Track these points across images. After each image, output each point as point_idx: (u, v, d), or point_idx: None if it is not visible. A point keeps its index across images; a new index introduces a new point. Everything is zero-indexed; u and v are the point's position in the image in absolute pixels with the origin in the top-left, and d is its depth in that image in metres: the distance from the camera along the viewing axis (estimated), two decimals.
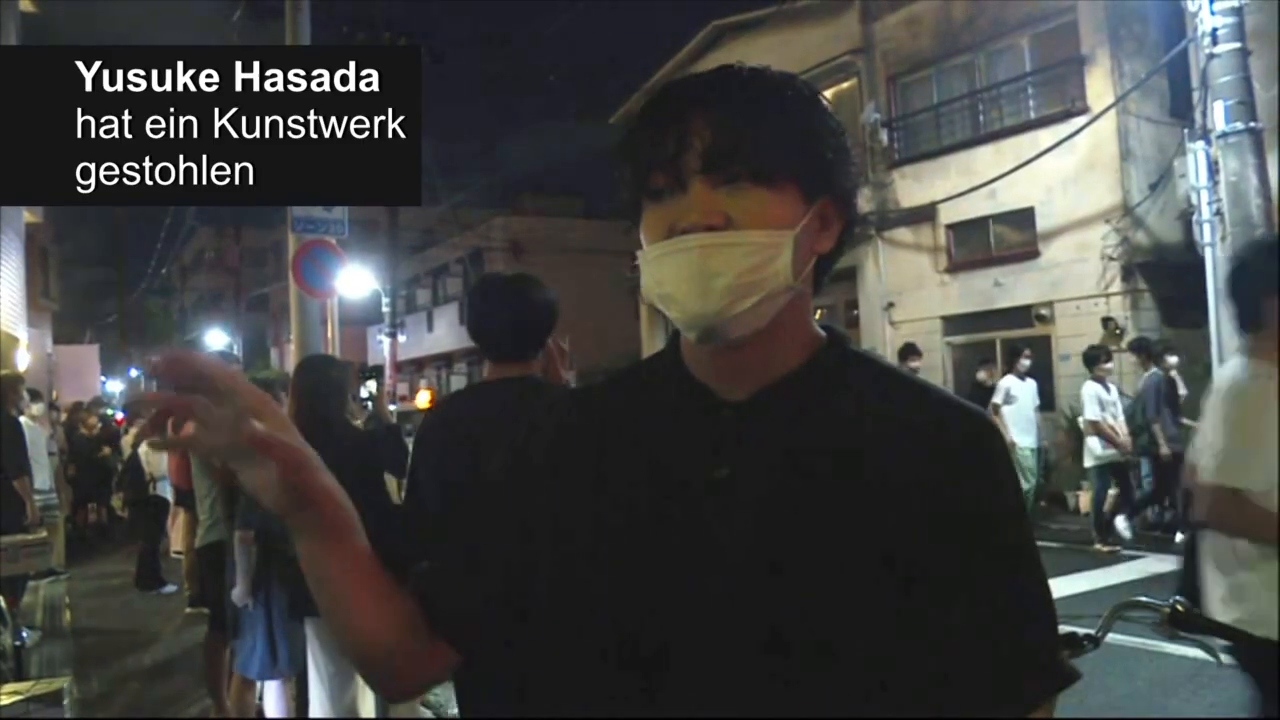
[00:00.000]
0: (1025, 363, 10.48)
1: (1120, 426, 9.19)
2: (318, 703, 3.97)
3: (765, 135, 0.97)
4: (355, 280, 16.56)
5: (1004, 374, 10.51)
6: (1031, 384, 10.40)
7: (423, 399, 16.82)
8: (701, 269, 0.95)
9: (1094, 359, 9.40)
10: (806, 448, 0.99)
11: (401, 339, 23.07)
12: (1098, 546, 9.20)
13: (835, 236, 1.05)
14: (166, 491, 9.24)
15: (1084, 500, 11.48)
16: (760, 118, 0.98)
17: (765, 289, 0.96)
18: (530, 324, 2.64)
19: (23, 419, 9.79)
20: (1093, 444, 9.29)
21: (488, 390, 2.66)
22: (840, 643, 0.94)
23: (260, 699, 4.82)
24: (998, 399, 9.91)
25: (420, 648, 1.09)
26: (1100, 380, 9.24)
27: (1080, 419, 9.93)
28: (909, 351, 10.29)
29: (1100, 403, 9.13)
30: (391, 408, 8.56)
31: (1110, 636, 2.26)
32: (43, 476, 9.79)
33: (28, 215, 17.04)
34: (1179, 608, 2.28)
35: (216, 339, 36.17)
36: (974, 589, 0.96)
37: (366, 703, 4.09)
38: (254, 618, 4.42)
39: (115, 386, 32.41)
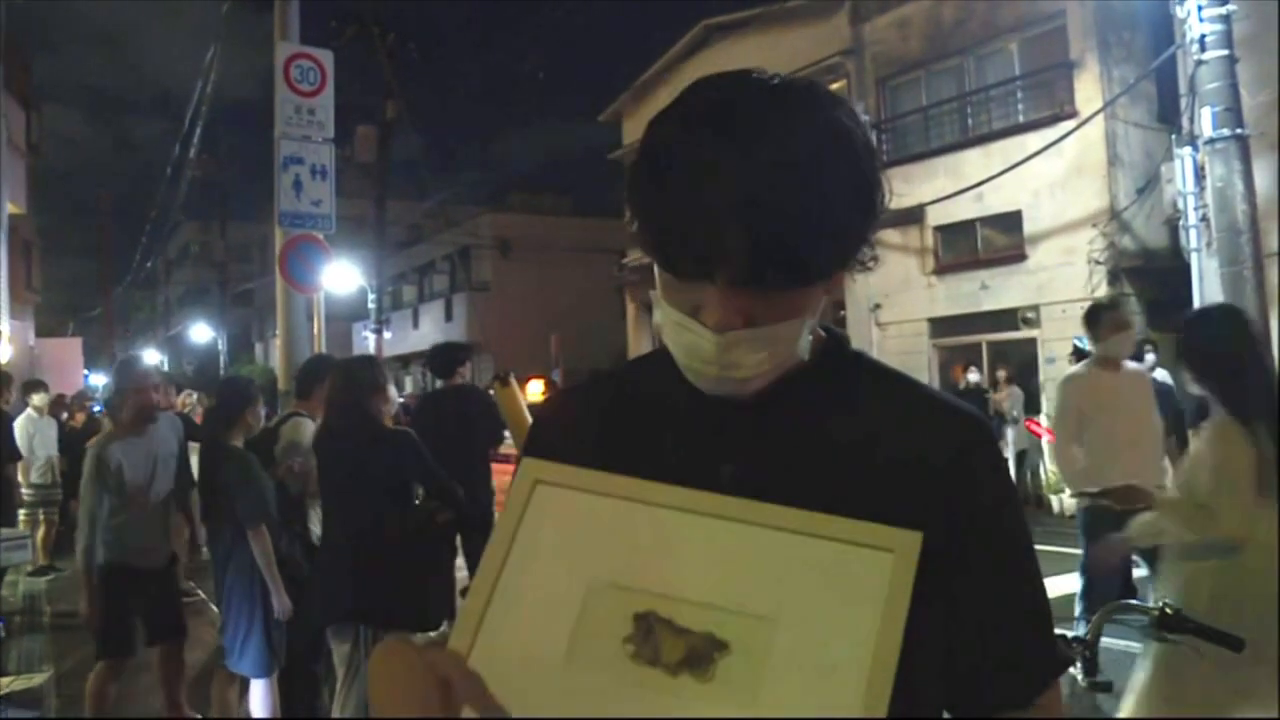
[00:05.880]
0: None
1: None
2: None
3: (810, 242, 0.88)
4: (342, 276, 16.53)
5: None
6: None
7: (535, 389, 16.04)
8: (720, 360, 0.94)
9: None
10: (812, 445, 1.00)
11: (387, 335, 23.03)
12: None
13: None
14: None
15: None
16: (808, 216, 0.86)
17: (781, 367, 0.98)
18: None
19: (28, 411, 9.63)
20: None
21: None
22: None
23: (244, 696, 4.78)
24: None
25: None
26: None
27: None
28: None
29: None
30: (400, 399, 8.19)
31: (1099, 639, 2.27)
32: (38, 470, 9.58)
33: (11, 206, 16.90)
34: (1167, 610, 2.29)
35: (201, 333, 35.99)
36: (979, 578, 0.99)
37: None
38: (245, 615, 4.38)
39: (99, 380, 32.18)
